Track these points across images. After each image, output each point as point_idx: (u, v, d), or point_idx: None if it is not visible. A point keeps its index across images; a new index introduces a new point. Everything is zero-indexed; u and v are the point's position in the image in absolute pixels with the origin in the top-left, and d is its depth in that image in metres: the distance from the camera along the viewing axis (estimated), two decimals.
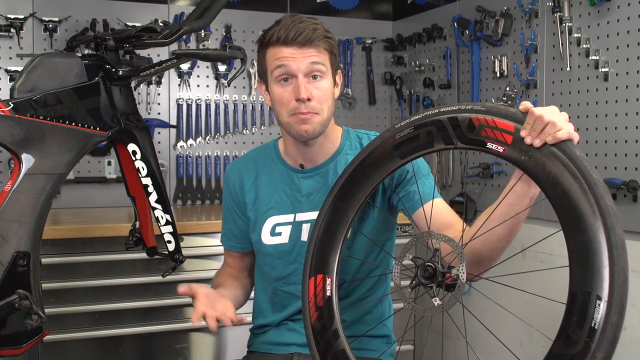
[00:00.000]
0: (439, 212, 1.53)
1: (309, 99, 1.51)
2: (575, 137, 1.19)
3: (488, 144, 1.25)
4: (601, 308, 1.05)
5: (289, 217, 1.66)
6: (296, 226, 1.65)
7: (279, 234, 1.66)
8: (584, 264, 1.09)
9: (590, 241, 1.09)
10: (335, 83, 1.61)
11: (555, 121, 1.18)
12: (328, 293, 1.44)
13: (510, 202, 1.32)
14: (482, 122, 1.26)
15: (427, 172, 1.62)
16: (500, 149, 1.24)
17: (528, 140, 1.20)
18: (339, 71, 1.63)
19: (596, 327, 1.05)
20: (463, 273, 1.24)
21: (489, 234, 1.34)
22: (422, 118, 1.37)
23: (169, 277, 2.02)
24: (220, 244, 1.82)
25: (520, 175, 1.28)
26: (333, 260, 1.45)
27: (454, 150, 1.45)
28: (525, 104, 1.23)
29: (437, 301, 1.26)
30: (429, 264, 1.28)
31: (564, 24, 2.52)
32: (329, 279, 1.44)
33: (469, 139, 1.28)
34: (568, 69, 2.54)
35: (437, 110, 1.34)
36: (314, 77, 1.53)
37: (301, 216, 1.65)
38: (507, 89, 2.82)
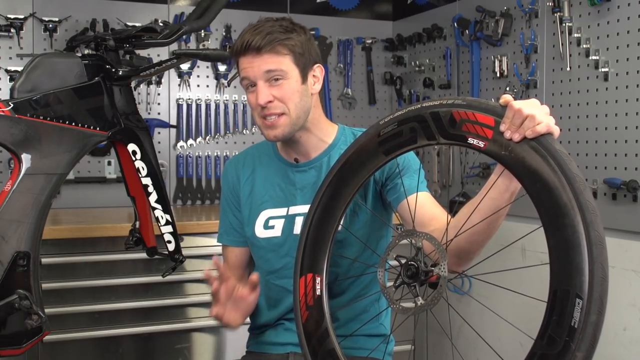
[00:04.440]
0: (422, 205, 1.52)
1: (269, 102, 1.55)
2: (556, 130, 1.17)
3: (469, 139, 1.22)
4: (580, 307, 1.02)
5: (283, 211, 1.67)
6: (289, 219, 1.66)
7: (272, 227, 1.68)
8: (563, 261, 1.06)
9: (569, 238, 1.06)
10: (307, 79, 1.60)
11: (534, 114, 1.15)
12: (318, 292, 1.43)
13: (492, 197, 1.30)
14: (463, 116, 1.23)
15: (417, 168, 1.61)
16: (481, 144, 1.21)
17: (507, 135, 1.17)
18: (317, 66, 1.63)
19: (576, 326, 1.02)
20: (445, 271, 1.22)
21: (470, 229, 1.32)
22: (405, 113, 1.34)
23: (169, 277, 2.02)
24: (219, 244, 1.82)
25: (501, 170, 1.26)
26: (322, 259, 1.45)
27: (437, 146, 1.43)
28: (505, 97, 1.21)
29: (420, 300, 1.24)
30: (412, 262, 1.27)
31: (564, 24, 2.52)
32: (319, 278, 1.44)
33: (451, 134, 1.25)
34: (568, 69, 2.54)
35: (419, 106, 1.31)
36: (275, 79, 1.56)
37: (294, 209, 1.66)
38: (507, 89, 2.83)
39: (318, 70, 1.64)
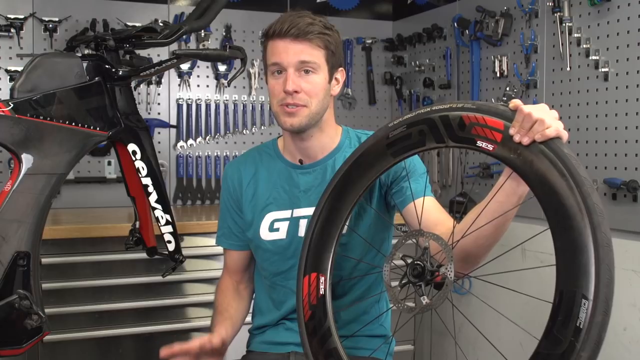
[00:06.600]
0: (427, 209, 1.53)
1: (296, 92, 1.54)
2: (564, 135, 1.18)
3: (478, 142, 1.24)
4: (586, 307, 1.04)
5: (287, 213, 1.67)
6: (294, 222, 1.66)
7: (277, 229, 1.67)
8: (570, 262, 1.08)
9: (576, 240, 1.08)
10: (332, 79, 1.62)
11: (543, 119, 1.17)
12: (321, 291, 1.44)
13: (500, 200, 1.31)
14: (473, 120, 1.25)
15: (423, 172, 1.62)
16: (490, 147, 1.23)
17: (517, 138, 1.19)
18: (341, 69, 1.65)
19: (581, 327, 1.04)
20: (451, 272, 1.23)
21: (477, 232, 1.33)
22: (414, 117, 1.36)
23: (169, 277, 2.02)
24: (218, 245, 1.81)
25: (509, 173, 1.27)
26: (327, 259, 1.45)
27: (446, 148, 1.45)
28: (515, 102, 1.22)
29: (425, 300, 1.25)
30: (418, 262, 1.28)
31: (564, 24, 2.52)
32: (323, 278, 1.44)
33: (460, 137, 1.27)
34: (568, 69, 2.54)
35: (429, 109, 1.34)
36: (306, 71, 1.56)
37: (299, 212, 1.66)
38: (507, 89, 2.82)
39: (340, 74, 1.65)
